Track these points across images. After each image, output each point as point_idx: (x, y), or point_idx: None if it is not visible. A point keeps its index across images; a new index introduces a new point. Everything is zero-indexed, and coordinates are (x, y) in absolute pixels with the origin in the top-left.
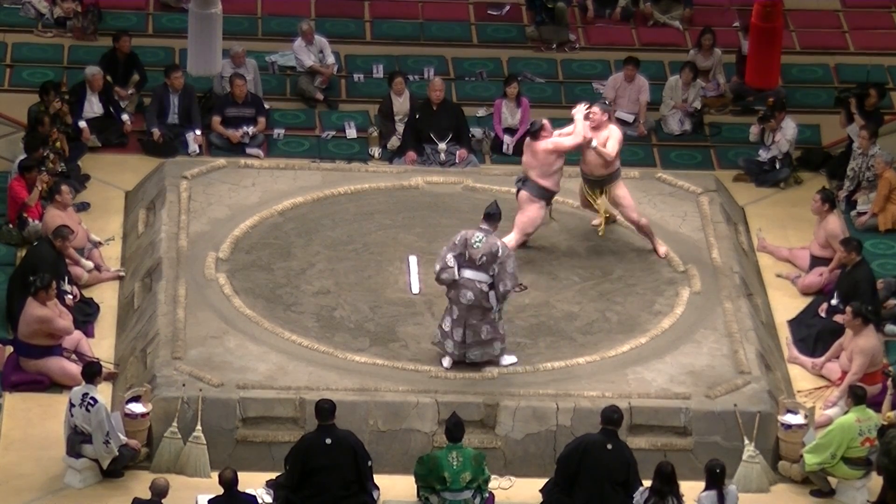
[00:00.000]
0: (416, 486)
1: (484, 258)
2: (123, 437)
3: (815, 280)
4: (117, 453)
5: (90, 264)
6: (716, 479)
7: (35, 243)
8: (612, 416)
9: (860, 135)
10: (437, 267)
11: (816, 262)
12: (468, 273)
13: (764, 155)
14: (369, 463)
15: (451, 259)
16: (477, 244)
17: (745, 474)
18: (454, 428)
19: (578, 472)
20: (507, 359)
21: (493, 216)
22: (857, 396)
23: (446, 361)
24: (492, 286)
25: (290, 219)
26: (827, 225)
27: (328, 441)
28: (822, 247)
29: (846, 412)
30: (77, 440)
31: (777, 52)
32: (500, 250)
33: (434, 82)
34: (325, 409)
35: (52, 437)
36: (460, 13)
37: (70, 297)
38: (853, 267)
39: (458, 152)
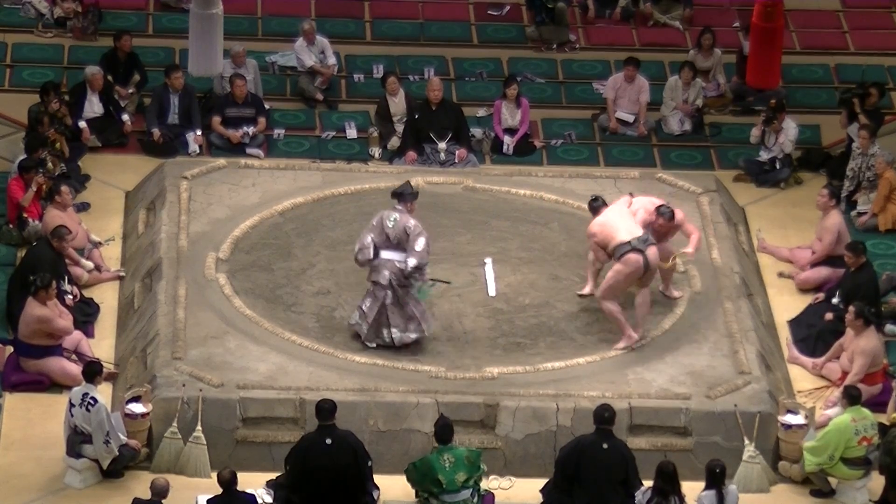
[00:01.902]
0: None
1: (398, 238)
2: (124, 437)
3: (813, 275)
4: (117, 453)
5: (90, 264)
6: (716, 478)
7: (34, 244)
8: (603, 415)
9: (860, 134)
10: (356, 247)
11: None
12: (385, 253)
13: (764, 155)
14: (369, 463)
15: (368, 239)
16: (391, 224)
17: (745, 474)
18: (442, 430)
19: (577, 473)
20: (427, 327)
21: (402, 195)
22: (851, 397)
23: (370, 344)
24: None
25: (290, 219)
26: (828, 219)
27: (328, 441)
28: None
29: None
30: (77, 440)
31: (778, 53)
32: (412, 228)
33: (432, 82)
34: (326, 409)
35: (52, 437)
36: (460, 13)
37: (70, 297)
38: (857, 269)
39: (457, 152)
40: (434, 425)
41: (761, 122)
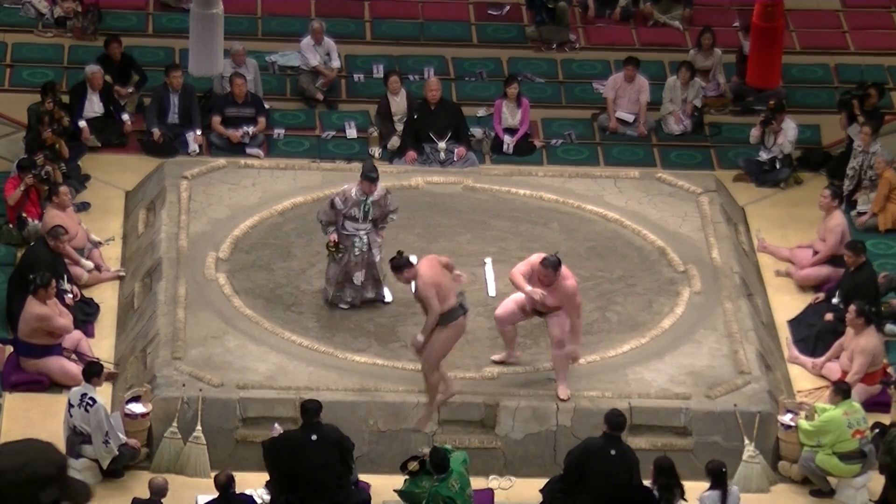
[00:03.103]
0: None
1: None
2: (123, 437)
3: (814, 272)
4: (117, 452)
5: (90, 264)
6: (720, 479)
7: (32, 244)
8: (617, 421)
9: (862, 131)
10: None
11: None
12: None
13: (764, 155)
14: (351, 447)
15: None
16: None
17: (745, 474)
18: (443, 460)
19: (582, 476)
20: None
21: (364, 172)
22: (842, 392)
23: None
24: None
25: (290, 219)
26: (830, 220)
27: (314, 437)
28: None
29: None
30: (76, 440)
31: (778, 52)
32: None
33: (430, 82)
34: (312, 409)
35: (52, 437)
36: (460, 13)
37: (69, 296)
38: (857, 268)
39: (456, 150)
40: (431, 460)
41: (759, 122)
